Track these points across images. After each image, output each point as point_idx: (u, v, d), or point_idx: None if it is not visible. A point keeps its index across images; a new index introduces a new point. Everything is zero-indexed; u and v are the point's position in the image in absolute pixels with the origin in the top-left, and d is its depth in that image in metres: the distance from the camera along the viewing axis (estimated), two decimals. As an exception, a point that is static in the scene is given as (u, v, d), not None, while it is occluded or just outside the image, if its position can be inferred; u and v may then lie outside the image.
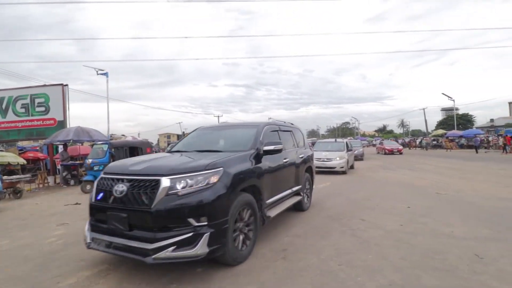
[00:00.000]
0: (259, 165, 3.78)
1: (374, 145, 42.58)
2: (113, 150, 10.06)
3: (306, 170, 5.74)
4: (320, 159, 11.89)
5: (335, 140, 15.13)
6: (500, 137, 29.12)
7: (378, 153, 27.65)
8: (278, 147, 4.00)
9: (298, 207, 5.49)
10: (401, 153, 25.34)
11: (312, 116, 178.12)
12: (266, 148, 3.94)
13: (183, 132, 65.30)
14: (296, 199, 5.14)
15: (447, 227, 4.46)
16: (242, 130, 4.74)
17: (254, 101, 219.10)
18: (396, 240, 3.97)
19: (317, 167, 10.34)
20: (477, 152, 25.08)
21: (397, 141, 39.04)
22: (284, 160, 4.60)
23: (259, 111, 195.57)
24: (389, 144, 28.03)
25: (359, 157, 18.78)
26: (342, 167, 11.97)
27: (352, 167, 13.98)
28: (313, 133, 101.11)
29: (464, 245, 3.71)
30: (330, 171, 12.04)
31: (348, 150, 13.34)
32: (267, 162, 3.99)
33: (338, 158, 12.04)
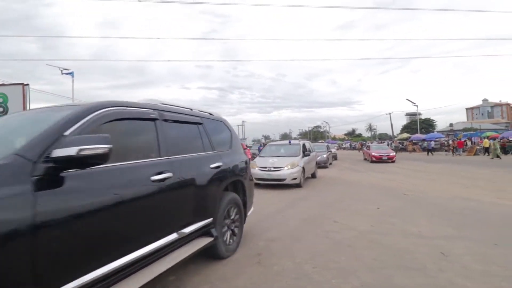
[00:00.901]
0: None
1: (344, 148, 43.28)
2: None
3: (228, 189, 3.69)
4: (265, 168, 9.21)
5: (289, 142, 11.52)
6: (451, 140, 31.87)
7: (365, 159, 21.51)
8: (97, 149, 1.71)
9: (211, 254, 3.36)
10: (393, 161, 18.71)
11: (285, 120, 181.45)
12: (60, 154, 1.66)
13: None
14: (199, 245, 2.93)
15: (414, 227, 4.66)
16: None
17: (227, 104, 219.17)
18: (368, 240, 4.08)
19: (261, 179, 9.06)
20: (428, 154, 27.56)
21: (389, 145, 32.79)
22: (152, 179, 2.33)
23: (232, 114, 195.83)
24: (377, 149, 20.51)
25: (322, 164, 15.71)
26: (295, 179, 8.96)
27: (313, 176, 11.60)
28: (285, 137, 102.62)
29: (431, 244, 3.89)
30: (278, 185, 9.12)
31: (305, 155, 10.23)
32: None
33: (289, 167, 9.04)
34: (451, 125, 59.55)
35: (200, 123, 3.48)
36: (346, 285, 2.80)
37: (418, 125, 45.23)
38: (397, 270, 3.08)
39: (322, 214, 5.68)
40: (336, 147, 33.14)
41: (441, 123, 66.88)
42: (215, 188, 3.29)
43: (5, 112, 14.43)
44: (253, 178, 5.23)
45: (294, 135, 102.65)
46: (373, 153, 19.35)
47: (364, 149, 25.25)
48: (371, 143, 34.63)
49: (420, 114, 50.71)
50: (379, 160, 18.71)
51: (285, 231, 4.62)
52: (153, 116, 2.66)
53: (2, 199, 1.41)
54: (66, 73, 18.83)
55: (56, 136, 1.79)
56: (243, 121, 67.83)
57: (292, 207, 6.45)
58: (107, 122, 2.16)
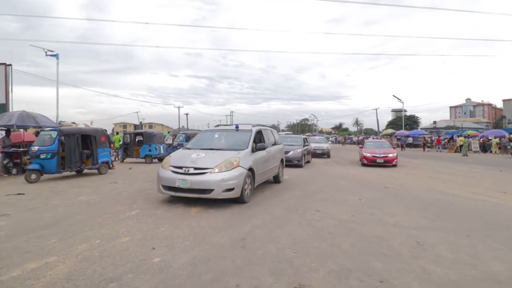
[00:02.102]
0: None
1: (330, 142, 43.23)
2: (63, 137, 9.30)
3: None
4: (180, 169, 5.55)
5: (236, 127, 7.15)
6: (424, 137, 34.47)
7: (363, 164, 13.92)
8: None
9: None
10: (394, 166, 13.49)
11: (274, 111, 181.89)
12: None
13: (141, 122, 62.43)
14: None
15: (392, 217, 4.88)
16: None
17: (216, 94, 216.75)
18: (347, 229, 4.25)
19: (171, 189, 5.52)
20: (402, 149, 29.77)
21: (402, 143, 32.13)
22: None
23: (221, 104, 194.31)
24: (372, 148, 14.77)
25: (295, 162, 12.57)
26: (230, 190, 5.33)
27: (276, 179, 8.22)
28: (273, 128, 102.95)
29: (407, 233, 4.09)
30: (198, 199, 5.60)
31: (258, 148, 6.54)
32: None
33: (216, 170, 5.40)
34: (434, 122, 61.24)
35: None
36: (325, 268, 2.94)
37: (403, 121, 46.29)
38: (373, 256, 3.25)
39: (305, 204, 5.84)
40: (329, 142, 32.70)
41: (425, 120, 69.09)
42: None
43: (-16, 91, 13.90)
44: (160, 186, 5.75)
45: (282, 127, 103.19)
46: (364, 153, 14.00)
47: (362, 147, 15.99)
48: (367, 138, 33.37)
49: (405, 110, 51.92)
50: (372, 163, 13.43)
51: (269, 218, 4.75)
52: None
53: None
54: (51, 55, 18.11)
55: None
56: (232, 111, 67.63)
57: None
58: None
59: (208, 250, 3.37)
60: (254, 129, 7.03)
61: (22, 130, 12.49)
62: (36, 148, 8.86)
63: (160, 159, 14.45)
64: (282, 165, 8.69)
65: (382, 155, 13.55)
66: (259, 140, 7.10)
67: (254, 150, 6.45)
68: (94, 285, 2.55)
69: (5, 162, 10.58)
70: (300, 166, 12.62)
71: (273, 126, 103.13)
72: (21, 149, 11.01)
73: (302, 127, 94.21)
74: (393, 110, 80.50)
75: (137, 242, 3.58)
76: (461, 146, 24.27)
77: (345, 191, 7.24)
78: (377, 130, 56.54)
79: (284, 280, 2.68)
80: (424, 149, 30.09)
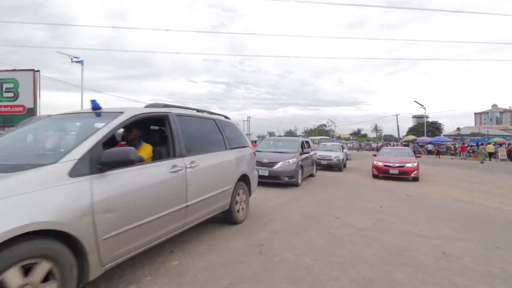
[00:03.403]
0: None
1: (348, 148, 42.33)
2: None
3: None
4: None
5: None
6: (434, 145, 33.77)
7: (374, 176, 11.37)
8: None
9: None
10: (416, 179, 10.71)
11: (290, 117, 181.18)
12: None
13: (160, 127, 63.70)
14: None
15: (415, 227, 4.69)
16: None
17: (233, 99, 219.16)
18: (367, 237, 4.12)
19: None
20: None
21: (415, 150, 18.72)
22: None
23: (238, 109, 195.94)
24: (387, 156, 12.01)
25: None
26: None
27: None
28: (290, 134, 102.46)
29: (431, 243, 3.92)
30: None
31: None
32: None
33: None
34: (458, 129, 58.84)
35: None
36: (345, 277, 2.85)
37: (425, 127, 44.84)
38: (396, 267, 3.13)
39: (324, 211, 5.72)
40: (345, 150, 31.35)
41: (448, 127, 66.26)
42: None
43: (15, 97, 14.66)
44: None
45: (299, 132, 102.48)
46: (374, 162, 11.47)
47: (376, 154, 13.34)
48: (386, 145, 31.97)
49: (427, 117, 50.27)
50: (383, 174, 10.90)
51: (286, 225, 4.68)
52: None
53: None
54: (76, 61, 19.02)
55: None
56: (249, 117, 67.82)
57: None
58: None
59: (225, 255, 3.36)
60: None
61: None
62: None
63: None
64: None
65: (397, 165, 10.81)
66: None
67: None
68: (114, 286, 2.59)
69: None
70: (294, 184, 8.48)
71: (290, 132, 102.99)
72: (47, 152, 11.48)
73: (320, 133, 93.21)
74: (414, 116, 78.18)
75: (155, 244, 3.61)
76: (489, 153, 23.42)
77: (363, 199, 7.05)
78: (397, 136, 55.05)
79: (302, 288, 2.62)
80: (438, 156, 29.74)
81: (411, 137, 46.22)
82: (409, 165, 10.64)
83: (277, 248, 3.61)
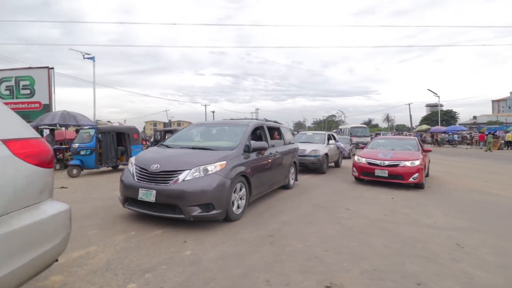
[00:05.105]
0: None
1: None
2: (100, 135, 9.85)
3: None
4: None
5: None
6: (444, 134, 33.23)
7: (357, 179, 8.01)
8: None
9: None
10: (418, 186, 7.05)
11: (299, 108, 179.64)
12: None
13: (170, 120, 64.51)
14: None
15: (428, 218, 4.63)
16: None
17: (241, 91, 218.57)
18: (379, 228, 4.09)
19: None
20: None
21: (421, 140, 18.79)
22: None
23: (246, 101, 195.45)
24: (377, 149, 8.29)
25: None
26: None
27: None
28: (299, 125, 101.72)
29: (445, 235, 3.87)
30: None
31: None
32: None
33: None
34: (474, 117, 57.04)
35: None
36: (357, 268, 2.85)
37: (439, 116, 43.70)
38: (408, 258, 3.11)
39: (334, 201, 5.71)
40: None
41: (464, 116, 64.58)
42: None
43: (32, 94, 15.05)
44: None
45: (308, 124, 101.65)
46: (356, 158, 7.84)
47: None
48: (400, 134, 31.82)
49: (441, 105, 48.94)
50: (367, 177, 7.54)
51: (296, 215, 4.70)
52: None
53: None
54: (88, 58, 19.34)
55: None
56: (257, 109, 67.63)
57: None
58: None
59: (237, 245, 3.40)
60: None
61: (63, 128, 13.38)
62: (76, 145, 9.47)
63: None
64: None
65: (386, 163, 7.16)
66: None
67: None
68: (131, 274, 2.67)
69: (49, 158, 11.40)
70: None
71: (299, 123, 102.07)
72: (64, 146, 11.82)
73: (329, 124, 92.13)
74: (427, 105, 76.20)
75: (169, 234, 3.70)
76: (508, 142, 22.93)
77: (376, 189, 6.97)
78: (410, 126, 53.92)
79: (314, 279, 2.64)
80: (438, 145, 30.10)
81: (424, 126, 45.10)
82: (407, 163, 6.96)
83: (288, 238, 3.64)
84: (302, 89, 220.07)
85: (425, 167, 7.51)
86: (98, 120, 20.75)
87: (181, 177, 3.86)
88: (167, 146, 5.06)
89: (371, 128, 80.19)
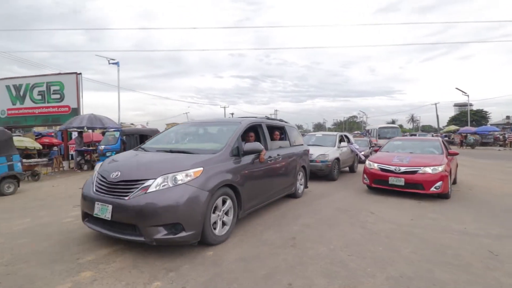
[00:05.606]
0: None
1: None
2: (124, 137, 10.25)
3: None
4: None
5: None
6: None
7: (369, 187, 6.95)
8: None
9: None
10: (443, 196, 6.02)
11: (319, 109, 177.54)
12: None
13: (190, 122, 65.85)
14: None
15: (459, 224, 4.42)
16: None
17: (259, 93, 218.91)
18: (406, 233, 3.95)
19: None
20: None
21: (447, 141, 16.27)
22: None
23: (265, 103, 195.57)
24: (392, 153, 7.22)
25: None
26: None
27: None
28: (319, 126, 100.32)
29: (477, 242, 3.67)
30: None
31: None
32: None
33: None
34: (507, 117, 53.81)
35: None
36: (382, 274, 2.77)
37: (469, 116, 41.65)
38: (438, 265, 2.98)
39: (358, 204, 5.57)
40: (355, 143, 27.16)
41: (496, 115, 61.02)
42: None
43: (61, 98, 15.88)
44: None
45: (328, 125, 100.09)
46: (368, 164, 6.92)
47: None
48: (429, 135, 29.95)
49: (471, 104, 46.62)
50: (381, 185, 6.50)
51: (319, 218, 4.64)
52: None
53: None
54: (113, 63, 20.12)
55: None
56: (276, 110, 67.51)
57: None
58: None
59: (259, 247, 3.41)
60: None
61: (90, 131, 13.99)
62: (102, 147, 9.91)
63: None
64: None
65: (403, 169, 6.18)
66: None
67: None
68: (156, 272, 2.74)
69: (78, 159, 12.03)
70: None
71: (319, 125, 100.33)
72: (91, 148, 12.38)
73: (350, 125, 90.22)
74: (456, 105, 72.82)
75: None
76: None
77: (402, 193, 6.73)
78: (436, 127, 51.78)
79: (337, 283, 2.59)
80: (462, 146, 28.74)
81: (452, 127, 43.13)
82: (427, 170, 5.96)
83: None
84: (321, 90, 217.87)
85: (451, 174, 6.37)
86: (122, 123, 21.52)
87: (143, 188, 3.06)
88: (144, 150, 4.28)
89: (395, 129, 77.36)
